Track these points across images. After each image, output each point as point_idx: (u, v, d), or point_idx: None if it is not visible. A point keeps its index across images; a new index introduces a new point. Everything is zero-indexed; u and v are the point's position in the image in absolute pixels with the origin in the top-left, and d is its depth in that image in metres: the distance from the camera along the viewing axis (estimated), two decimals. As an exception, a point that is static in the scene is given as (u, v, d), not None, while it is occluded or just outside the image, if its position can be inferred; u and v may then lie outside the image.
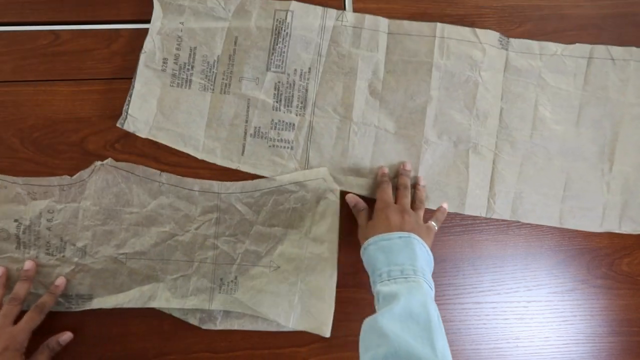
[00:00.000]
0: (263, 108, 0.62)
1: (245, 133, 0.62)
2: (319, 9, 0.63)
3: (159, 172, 0.61)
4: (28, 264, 0.58)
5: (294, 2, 0.62)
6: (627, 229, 0.65)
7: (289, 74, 0.62)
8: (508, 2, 0.66)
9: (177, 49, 0.61)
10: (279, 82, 0.62)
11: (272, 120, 0.62)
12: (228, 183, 0.62)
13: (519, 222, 0.65)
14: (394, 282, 0.49)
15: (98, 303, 0.60)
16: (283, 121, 0.62)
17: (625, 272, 0.66)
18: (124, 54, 0.63)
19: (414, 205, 0.61)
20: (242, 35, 0.62)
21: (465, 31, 0.64)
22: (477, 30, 0.64)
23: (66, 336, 0.59)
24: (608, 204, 0.65)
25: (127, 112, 0.60)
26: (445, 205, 0.63)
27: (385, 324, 0.44)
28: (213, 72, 0.62)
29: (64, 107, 0.62)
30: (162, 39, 0.61)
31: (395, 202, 0.59)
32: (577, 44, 0.65)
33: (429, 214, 0.62)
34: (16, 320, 0.55)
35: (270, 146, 0.62)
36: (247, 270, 0.62)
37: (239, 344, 0.62)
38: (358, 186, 0.63)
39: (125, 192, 0.61)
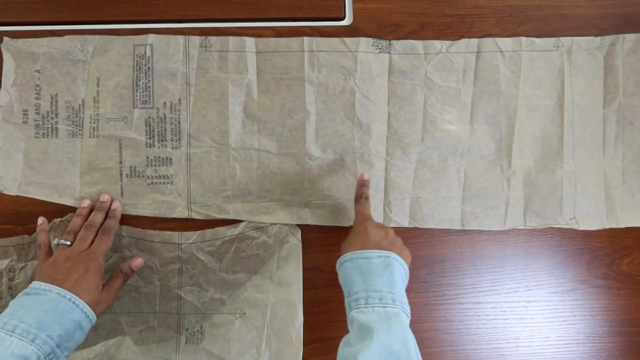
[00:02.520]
0: (136, 146, 0.60)
1: (121, 174, 0.60)
2: (180, 38, 0.61)
3: (119, 225, 0.60)
4: (104, 197, 0.59)
5: (151, 35, 0.60)
6: (532, 224, 0.63)
7: (158, 108, 0.61)
8: (508, 2, 0.65)
9: (37, 98, 0.60)
10: (149, 117, 0.60)
11: (148, 157, 0.61)
12: (189, 233, 0.61)
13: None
14: (371, 310, 0.47)
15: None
16: (159, 157, 0.61)
17: (625, 272, 0.65)
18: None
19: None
20: (103, 75, 0.60)
21: (334, 42, 0.62)
22: (346, 39, 0.62)
23: (138, 262, 0.58)
24: (510, 201, 0.63)
25: (-7, 173, 0.59)
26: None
27: None
28: (79, 116, 0.60)
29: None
30: (18, 90, 0.59)
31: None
32: (463, 40, 0.63)
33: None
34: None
35: (149, 184, 0.61)
36: (213, 318, 0.61)
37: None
38: (246, 212, 0.61)
39: None
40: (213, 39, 0.61)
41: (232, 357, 0.60)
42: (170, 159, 0.61)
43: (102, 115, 0.60)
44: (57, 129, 0.60)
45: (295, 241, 0.62)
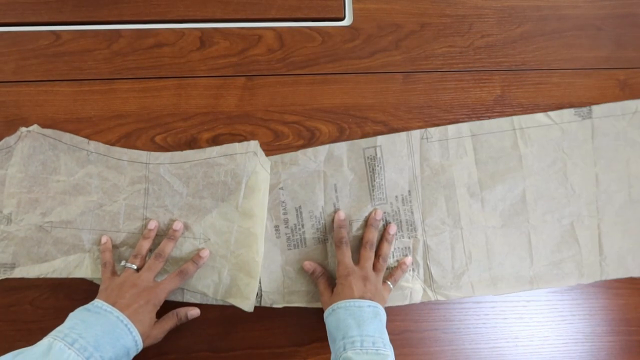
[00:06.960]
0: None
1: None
2: (402, 134, 0.64)
3: (87, 140, 0.61)
4: (177, 225, 0.59)
5: (379, 137, 0.64)
6: None
7: (391, 203, 0.64)
8: (507, 3, 0.66)
9: (284, 213, 0.63)
10: (385, 213, 0.64)
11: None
12: (157, 153, 0.61)
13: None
14: (365, 353, 0.51)
15: (20, 272, 0.58)
16: (398, 248, 0.64)
17: (625, 272, 0.66)
18: (124, 54, 0.64)
19: (376, 264, 0.61)
20: (339, 181, 0.63)
21: (539, 117, 0.66)
22: (550, 113, 0.66)
23: (195, 311, 0.59)
24: None
25: (261, 290, 0.62)
26: (407, 261, 0.63)
27: None
28: (322, 223, 0.63)
29: (65, 107, 0.62)
30: (269, 210, 0.62)
31: (358, 262, 0.60)
32: None
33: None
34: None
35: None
36: (177, 241, 0.60)
37: (239, 343, 0.63)
38: (482, 285, 0.64)
39: (52, 160, 0.60)
40: (432, 130, 0.65)
41: (193, 281, 0.60)
42: (409, 247, 0.64)
43: (343, 217, 0.63)
44: (304, 238, 0.63)
45: (263, 172, 0.62)
